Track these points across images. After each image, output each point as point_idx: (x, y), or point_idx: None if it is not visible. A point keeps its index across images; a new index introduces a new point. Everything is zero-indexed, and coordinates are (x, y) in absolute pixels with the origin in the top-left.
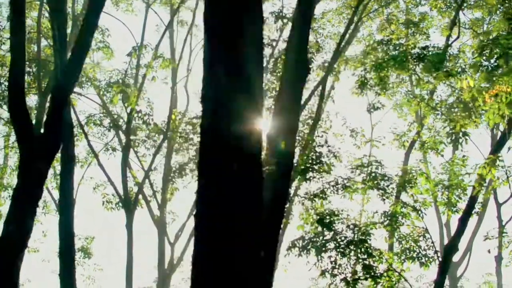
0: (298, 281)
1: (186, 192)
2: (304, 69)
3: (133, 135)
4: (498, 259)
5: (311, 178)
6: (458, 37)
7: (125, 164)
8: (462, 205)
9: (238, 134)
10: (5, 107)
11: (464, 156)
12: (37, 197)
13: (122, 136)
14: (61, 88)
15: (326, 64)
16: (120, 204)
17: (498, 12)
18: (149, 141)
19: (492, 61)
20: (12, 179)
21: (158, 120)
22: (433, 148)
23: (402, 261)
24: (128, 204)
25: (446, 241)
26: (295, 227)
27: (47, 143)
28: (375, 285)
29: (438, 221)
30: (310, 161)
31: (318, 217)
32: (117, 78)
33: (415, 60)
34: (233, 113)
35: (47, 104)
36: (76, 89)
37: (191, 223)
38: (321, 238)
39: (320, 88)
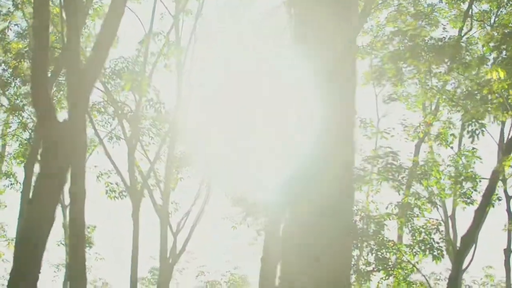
0: None
1: (189, 182)
2: None
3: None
4: (508, 252)
5: None
6: (470, 29)
7: (132, 153)
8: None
9: None
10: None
11: (473, 148)
12: (59, 184)
13: (126, 125)
14: (88, 76)
15: None
16: (124, 193)
17: (508, 5)
18: (153, 130)
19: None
20: (11, 168)
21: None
22: (445, 139)
23: (414, 253)
24: (134, 193)
25: (452, 234)
26: None
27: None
28: (387, 277)
29: (444, 214)
30: None
31: None
32: (122, 66)
33: (431, 52)
34: None
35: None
36: None
37: (194, 213)
38: None
39: None
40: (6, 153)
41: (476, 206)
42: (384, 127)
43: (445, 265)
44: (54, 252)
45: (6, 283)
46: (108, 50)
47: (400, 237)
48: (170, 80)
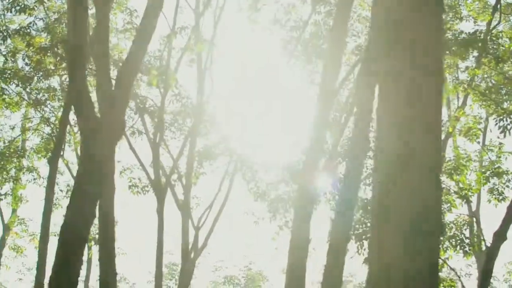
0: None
1: (210, 177)
2: None
3: (158, 118)
4: None
5: None
6: (499, 22)
7: (157, 147)
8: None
9: None
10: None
11: (500, 143)
12: (99, 178)
13: (147, 119)
14: (128, 68)
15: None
16: (147, 188)
17: None
18: (175, 125)
19: None
20: (32, 162)
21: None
22: (475, 134)
23: (445, 249)
24: (159, 188)
25: (475, 230)
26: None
27: (111, 124)
28: None
29: (468, 210)
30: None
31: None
32: (145, 60)
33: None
34: None
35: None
36: None
37: (216, 208)
38: (363, 225)
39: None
40: (27, 148)
41: (507, 202)
42: None
43: (466, 261)
44: None
45: (24, 277)
46: (148, 43)
47: None
48: (191, 75)
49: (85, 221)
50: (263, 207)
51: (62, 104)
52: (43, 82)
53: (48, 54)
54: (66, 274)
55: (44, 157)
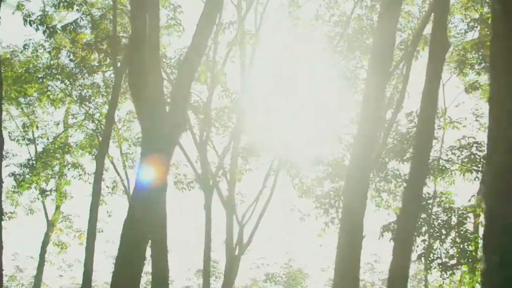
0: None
1: (254, 173)
2: None
3: (205, 114)
4: None
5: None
6: None
7: (204, 143)
8: None
9: None
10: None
11: None
12: (163, 174)
13: (191, 116)
14: (188, 64)
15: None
16: (192, 185)
17: None
18: (220, 121)
19: None
20: (77, 158)
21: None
22: None
23: None
24: (207, 185)
25: None
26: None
27: (172, 119)
28: (471, 272)
29: None
30: (405, 142)
31: None
32: None
33: None
34: None
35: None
36: None
37: (260, 205)
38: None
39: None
40: (71, 144)
41: None
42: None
43: None
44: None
45: (64, 273)
46: (208, 39)
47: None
48: (233, 71)
49: (148, 216)
50: (309, 203)
51: (106, 100)
52: (87, 78)
53: (93, 50)
54: (129, 270)
55: (89, 153)
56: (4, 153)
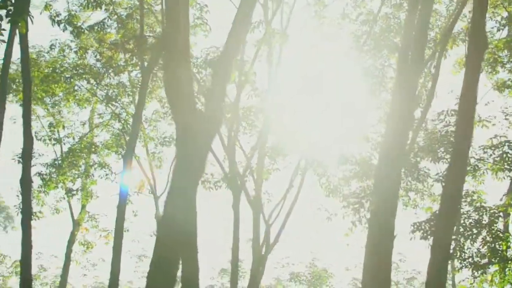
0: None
1: (281, 172)
2: None
3: (233, 113)
4: None
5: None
6: None
7: (232, 143)
8: None
9: None
10: None
11: None
12: (198, 173)
13: None
14: (225, 63)
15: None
16: (219, 184)
17: None
18: (247, 120)
19: None
20: (102, 158)
21: None
22: None
23: None
24: (235, 184)
25: None
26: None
27: (210, 116)
28: (501, 271)
29: None
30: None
31: None
32: (214, 56)
33: None
34: None
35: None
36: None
37: (288, 204)
38: None
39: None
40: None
41: None
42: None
43: None
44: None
45: (88, 272)
46: (245, 38)
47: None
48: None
49: (184, 214)
50: (336, 203)
51: (132, 100)
52: (113, 78)
53: (119, 50)
54: (165, 270)
55: (115, 153)
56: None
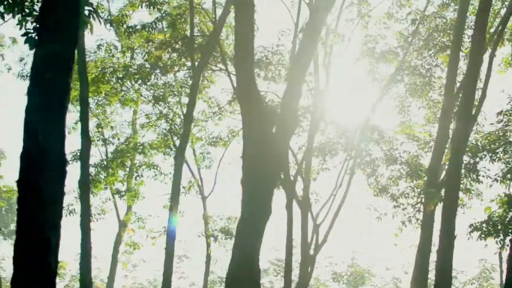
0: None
1: (328, 173)
2: None
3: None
4: None
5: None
6: None
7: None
8: None
9: None
10: None
11: None
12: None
13: None
14: (300, 63)
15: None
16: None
17: None
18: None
19: None
20: (149, 158)
21: None
22: None
23: None
24: (288, 184)
25: None
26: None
27: (287, 120)
28: None
29: None
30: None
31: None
32: (261, 56)
33: None
34: None
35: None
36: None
37: (336, 204)
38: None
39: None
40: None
41: None
42: None
43: None
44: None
45: (129, 273)
46: (318, 38)
47: None
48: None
49: (261, 213)
50: (384, 202)
51: (178, 100)
52: (159, 78)
53: (167, 50)
54: (247, 270)
55: (164, 154)
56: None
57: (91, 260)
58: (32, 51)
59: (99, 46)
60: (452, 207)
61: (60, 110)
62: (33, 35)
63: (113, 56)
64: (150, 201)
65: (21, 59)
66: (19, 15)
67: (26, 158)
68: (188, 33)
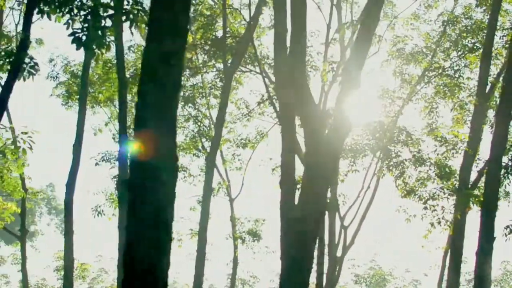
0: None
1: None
2: None
3: None
4: None
5: None
6: None
7: None
8: None
9: None
10: None
11: None
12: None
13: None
14: (355, 63)
15: None
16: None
17: None
18: None
19: None
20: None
21: None
22: None
23: None
24: None
25: None
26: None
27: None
28: None
29: None
30: None
31: None
32: None
33: None
34: None
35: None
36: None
37: (363, 206)
38: None
39: None
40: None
41: None
42: None
43: None
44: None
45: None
46: (372, 39)
47: None
48: None
49: (315, 214)
50: (412, 204)
51: (206, 101)
52: (188, 79)
53: (198, 51)
54: (298, 271)
55: (193, 155)
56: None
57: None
58: (56, 51)
59: (129, 48)
60: (492, 210)
61: (172, 108)
62: (80, 35)
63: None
64: (178, 202)
65: (51, 60)
66: (68, 15)
67: (137, 157)
68: (217, 34)
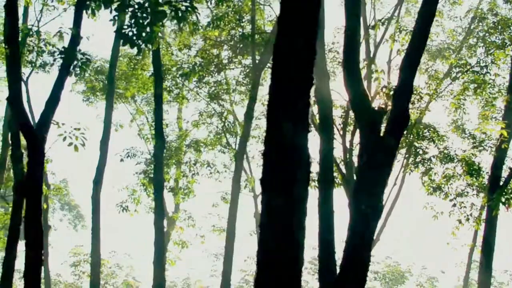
0: None
1: None
2: None
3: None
4: None
5: None
6: None
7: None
8: None
9: None
10: None
11: None
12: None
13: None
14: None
15: None
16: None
17: None
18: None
19: None
20: (199, 156)
21: None
22: None
23: None
24: (350, 183)
25: None
26: None
27: (399, 117)
28: None
29: None
30: None
31: None
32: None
33: None
34: None
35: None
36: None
37: (388, 204)
38: None
39: None
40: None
41: None
42: None
43: None
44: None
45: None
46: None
47: None
48: None
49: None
50: (438, 201)
51: (228, 97)
52: (214, 76)
53: (225, 47)
54: (353, 272)
55: (219, 151)
56: (134, 151)
57: (165, 259)
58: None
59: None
60: None
61: (305, 105)
62: (127, 31)
63: (171, 54)
64: (201, 198)
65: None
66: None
67: (271, 155)
68: (245, 30)
